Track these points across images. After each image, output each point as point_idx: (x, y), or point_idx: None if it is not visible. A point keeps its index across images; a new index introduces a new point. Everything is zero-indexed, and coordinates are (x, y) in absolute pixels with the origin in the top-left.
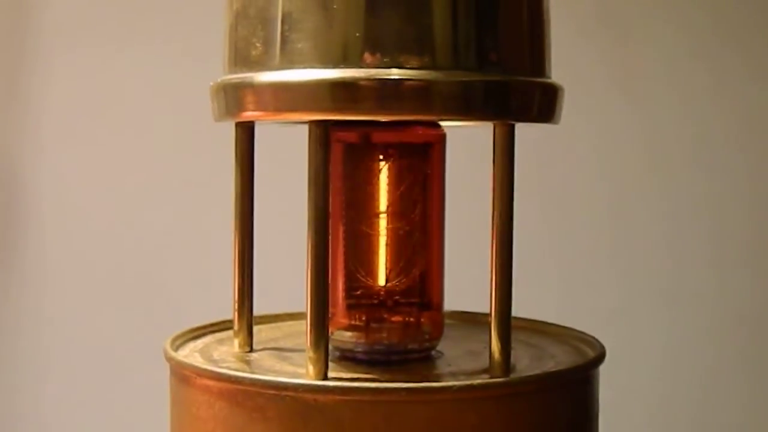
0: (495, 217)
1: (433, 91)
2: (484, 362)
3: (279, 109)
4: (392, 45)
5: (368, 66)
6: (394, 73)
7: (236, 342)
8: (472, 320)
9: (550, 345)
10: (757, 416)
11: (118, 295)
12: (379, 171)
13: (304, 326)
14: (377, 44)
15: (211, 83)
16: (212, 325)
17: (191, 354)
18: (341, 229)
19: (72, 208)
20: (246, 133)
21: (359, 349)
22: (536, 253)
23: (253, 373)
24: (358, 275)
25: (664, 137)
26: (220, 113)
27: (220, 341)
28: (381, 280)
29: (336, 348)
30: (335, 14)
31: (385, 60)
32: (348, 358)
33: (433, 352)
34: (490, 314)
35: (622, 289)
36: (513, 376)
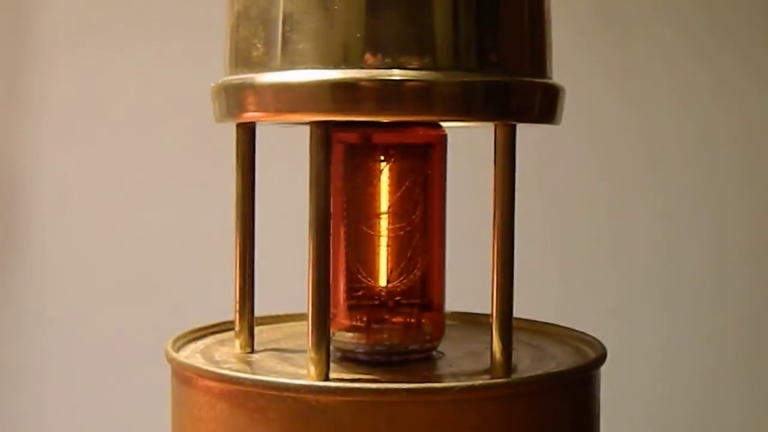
0: (496, 218)
1: (433, 91)
2: (486, 363)
3: (280, 110)
4: (393, 46)
5: (369, 67)
6: (395, 74)
7: (237, 343)
8: (473, 321)
9: (551, 345)
10: (757, 416)
11: (118, 295)
12: (380, 172)
13: (305, 327)
14: (378, 45)
15: (212, 84)
16: (213, 326)
17: (192, 355)
18: (342, 229)
19: (72, 208)
20: (247, 134)
21: (360, 350)
22: (536, 253)
23: (254, 374)
24: (360, 276)
25: (663, 137)
26: (221, 114)
27: (222, 342)
28: (382, 281)
29: (337, 349)
30: (336, 15)
31: (385, 61)
32: (349, 359)
33: (434, 353)
34: (491, 315)
35: (622, 289)
36: (514, 376)
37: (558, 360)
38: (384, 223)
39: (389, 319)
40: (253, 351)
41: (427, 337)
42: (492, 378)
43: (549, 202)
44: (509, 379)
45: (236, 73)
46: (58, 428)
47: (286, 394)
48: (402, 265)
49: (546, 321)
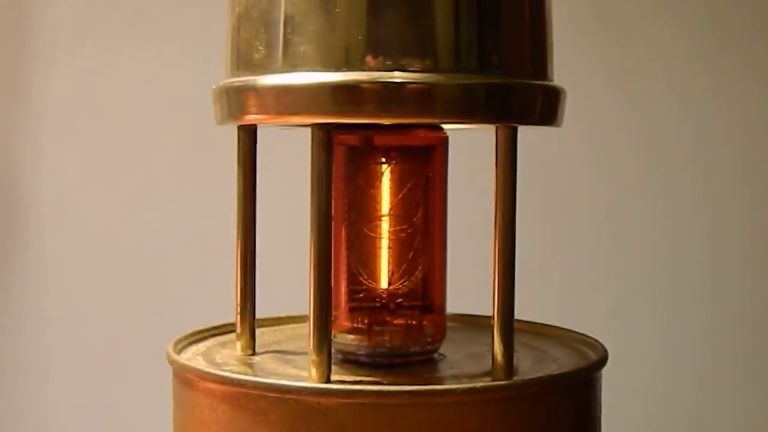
0: (498, 219)
1: (434, 94)
2: (487, 365)
3: (281, 112)
4: (394, 48)
5: (370, 69)
6: (396, 76)
7: (239, 345)
8: (474, 323)
9: (552, 347)
10: (757, 416)
11: (118, 295)
12: (382, 174)
13: (306, 329)
14: (379, 47)
15: (213, 86)
16: (214, 328)
17: (194, 357)
18: (344, 231)
19: (72, 208)
20: (248, 136)
21: (362, 352)
22: (536, 253)
23: (255, 376)
24: (361, 278)
25: (663, 138)
26: (222, 116)
27: (223, 344)
28: (383, 283)
29: (338, 351)
30: (337, 17)
31: (387, 63)
32: (350, 361)
33: (435, 355)
34: (492, 317)
35: (622, 290)
36: (516, 378)
37: (559, 362)
38: (385, 225)
39: (390, 321)
40: (254, 353)
41: (429, 339)
42: (493, 380)
43: (549, 202)
44: (511, 382)
45: (237, 76)
46: (58, 428)
47: (287, 396)
48: (403, 267)
49: (546, 321)
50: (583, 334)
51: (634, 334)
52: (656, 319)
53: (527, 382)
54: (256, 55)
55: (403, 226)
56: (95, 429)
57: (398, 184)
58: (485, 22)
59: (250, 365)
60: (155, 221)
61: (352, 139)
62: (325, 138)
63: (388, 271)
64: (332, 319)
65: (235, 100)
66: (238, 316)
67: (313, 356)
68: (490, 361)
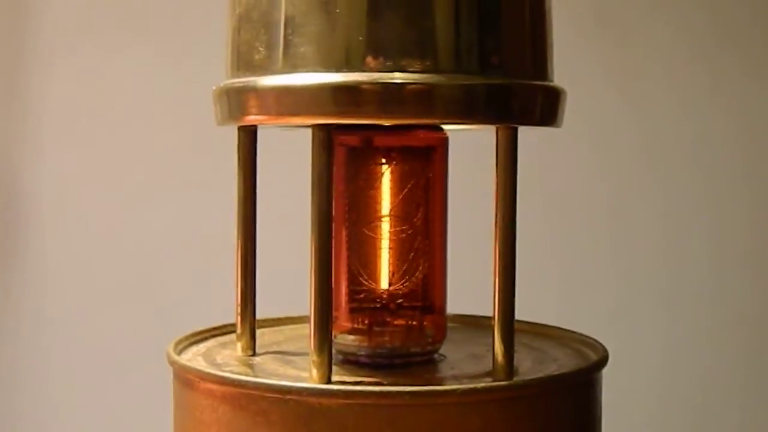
0: (498, 220)
1: (435, 94)
2: (487, 365)
3: (282, 113)
4: (394, 49)
5: (371, 70)
6: (397, 77)
7: (239, 346)
8: (474, 323)
9: (553, 348)
10: (757, 416)
11: (118, 295)
12: (382, 174)
13: (307, 330)
14: (379, 48)
15: (214, 87)
16: (215, 328)
17: (194, 358)
18: (344, 232)
19: (72, 208)
20: (249, 137)
21: (362, 353)
22: (536, 254)
23: (256, 376)
24: (361, 279)
25: (663, 138)
26: (222, 117)
27: (223, 345)
28: (384, 284)
29: (339, 351)
30: (338, 18)
31: (387, 64)
32: (351, 362)
33: (435, 356)
34: (493, 317)
35: (622, 290)
36: (516, 379)
37: (560, 363)
38: (386, 226)
39: (391, 322)
40: (254, 354)
41: (429, 340)
42: (494, 381)
43: (549, 202)
44: (511, 382)
45: (238, 77)
46: (58, 428)
47: (288, 396)
48: (404, 268)
49: (546, 322)
50: (583, 335)
51: (634, 335)
52: (656, 319)
53: (528, 382)
54: (257, 56)
55: (404, 227)
56: (95, 429)
57: (398, 185)
58: (485, 22)
59: (251, 366)
60: (155, 221)
61: (353, 140)
62: (326, 139)
63: (389, 271)
64: (333, 319)
65: (235, 101)
66: (239, 317)
67: (314, 357)
68: (491, 361)
